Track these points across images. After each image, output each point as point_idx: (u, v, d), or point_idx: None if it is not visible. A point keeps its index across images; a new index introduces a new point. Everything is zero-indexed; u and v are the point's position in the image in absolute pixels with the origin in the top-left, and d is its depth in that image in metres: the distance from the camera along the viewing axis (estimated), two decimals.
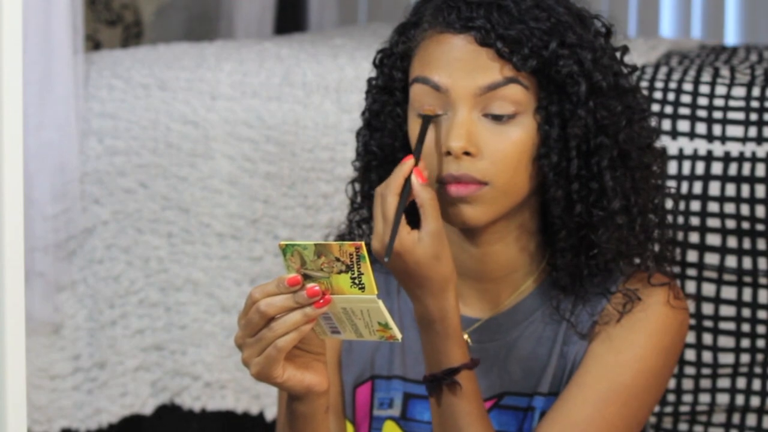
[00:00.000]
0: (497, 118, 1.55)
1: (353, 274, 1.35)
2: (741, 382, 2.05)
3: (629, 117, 1.60)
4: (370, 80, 1.69)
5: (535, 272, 1.64)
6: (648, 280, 1.62)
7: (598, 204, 1.58)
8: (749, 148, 2.03)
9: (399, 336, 1.39)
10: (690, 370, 2.06)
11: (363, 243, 1.34)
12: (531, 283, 1.64)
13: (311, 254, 1.36)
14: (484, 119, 1.55)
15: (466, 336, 1.63)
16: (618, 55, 1.63)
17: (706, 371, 2.06)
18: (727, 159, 2.03)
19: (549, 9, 1.58)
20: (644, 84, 2.11)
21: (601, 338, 1.60)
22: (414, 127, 1.59)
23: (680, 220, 2.04)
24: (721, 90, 2.08)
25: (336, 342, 1.70)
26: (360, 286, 1.36)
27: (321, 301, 1.37)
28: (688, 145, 2.06)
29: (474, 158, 1.54)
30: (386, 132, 1.66)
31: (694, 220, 2.04)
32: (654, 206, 1.65)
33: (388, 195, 1.50)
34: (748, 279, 2.03)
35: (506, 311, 1.65)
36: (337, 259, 1.35)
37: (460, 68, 1.55)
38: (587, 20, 1.62)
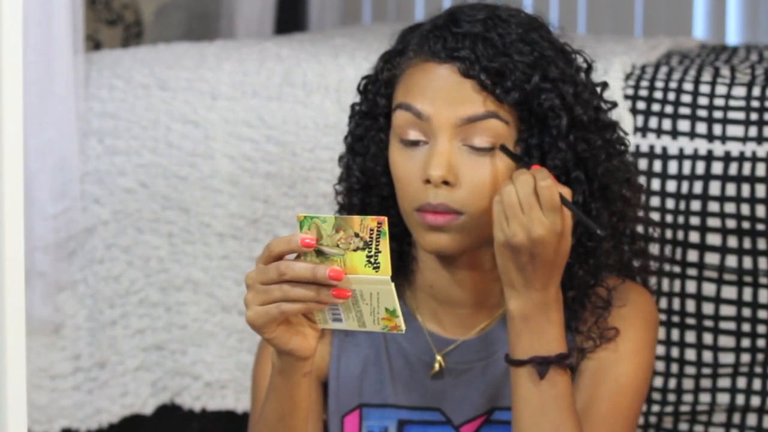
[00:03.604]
0: (477, 150, 1.56)
1: (370, 251, 1.33)
2: (741, 382, 2.05)
3: (608, 151, 1.63)
4: (353, 105, 1.71)
5: None
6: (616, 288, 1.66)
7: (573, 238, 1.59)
8: (749, 148, 2.03)
9: (403, 327, 1.37)
10: (690, 370, 2.06)
11: (386, 218, 1.33)
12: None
13: (330, 228, 1.34)
14: (464, 149, 1.57)
15: (440, 357, 1.67)
16: (598, 90, 1.66)
17: (706, 371, 2.06)
18: (727, 159, 2.03)
19: (533, 43, 1.60)
20: (644, 84, 2.11)
21: (589, 346, 1.64)
22: (395, 153, 1.60)
23: (680, 220, 2.04)
24: (721, 90, 2.08)
25: (323, 362, 1.71)
26: (375, 265, 1.34)
27: (338, 291, 1.35)
28: (688, 145, 2.05)
29: (452, 188, 1.56)
30: (368, 157, 1.67)
31: (695, 220, 2.04)
32: (632, 237, 1.68)
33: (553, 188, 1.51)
34: (748, 279, 2.03)
35: (486, 332, 1.67)
36: (356, 235, 1.33)
37: (442, 98, 1.56)
38: (569, 55, 1.64)
